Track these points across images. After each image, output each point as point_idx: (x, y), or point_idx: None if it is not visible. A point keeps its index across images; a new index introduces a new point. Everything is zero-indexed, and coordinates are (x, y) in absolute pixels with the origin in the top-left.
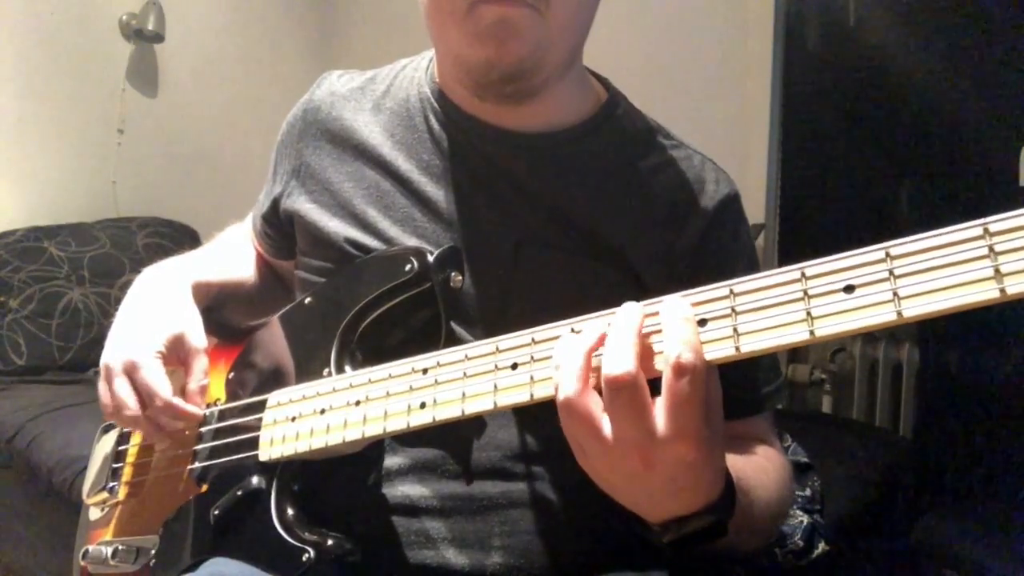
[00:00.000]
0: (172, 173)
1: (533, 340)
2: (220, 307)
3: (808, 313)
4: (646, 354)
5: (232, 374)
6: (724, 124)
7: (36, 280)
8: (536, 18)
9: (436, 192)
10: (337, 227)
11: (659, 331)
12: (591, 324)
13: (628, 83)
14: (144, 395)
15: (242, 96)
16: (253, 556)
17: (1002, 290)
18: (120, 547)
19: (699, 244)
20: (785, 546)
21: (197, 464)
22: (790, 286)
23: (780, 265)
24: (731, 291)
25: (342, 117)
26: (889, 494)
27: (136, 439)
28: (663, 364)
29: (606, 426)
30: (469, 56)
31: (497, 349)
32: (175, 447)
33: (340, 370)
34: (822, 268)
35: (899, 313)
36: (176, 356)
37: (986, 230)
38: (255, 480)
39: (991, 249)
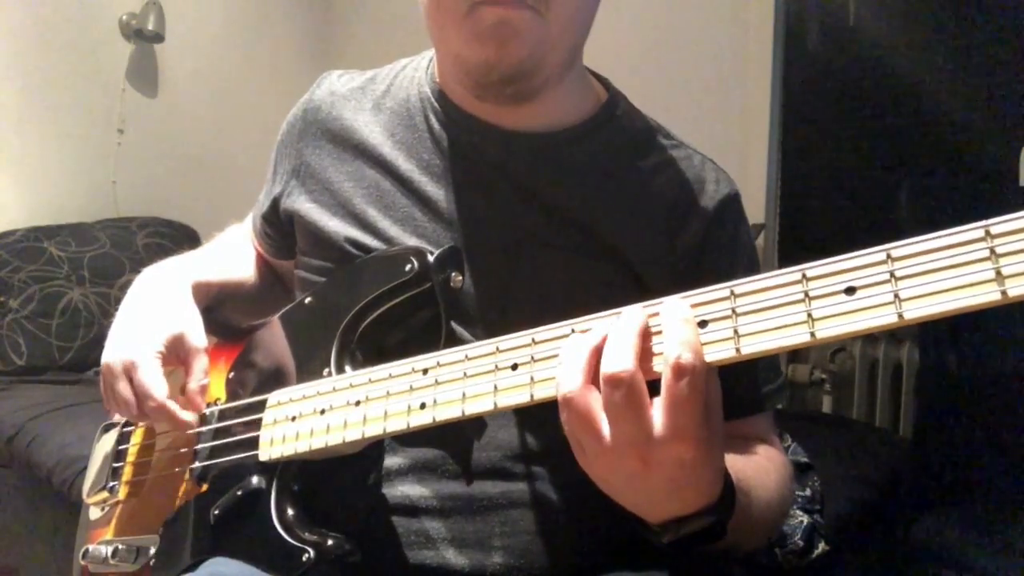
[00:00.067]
0: (172, 173)
1: (533, 340)
2: (220, 307)
3: (809, 315)
4: (646, 355)
5: (232, 374)
6: (724, 124)
7: (36, 280)
8: (536, 20)
9: (436, 192)
10: (337, 227)
11: (660, 332)
12: (598, 323)
13: (628, 83)
14: (139, 396)
15: (242, 96)
16: (253, 556)
17: (1003, 292)
18: (120, 547)
19: (699, 244)
20: (785, 546)
21: (197, 464)
22: (791, 287)
23: (780, 265)
24: (732, 292)
25: (342, 117)
26: (889, 494)
27: (136, 439)
28: (663, 365)
29: (605, 424)
30: (469, 57)
31: (497, 349)
32: (175, 447)
33: (340, 370)
34: (823, 269)
35: (900, 315)
36: (176, 356)
37: (987, 232)
38: (255, 480)
39: (992, 251)
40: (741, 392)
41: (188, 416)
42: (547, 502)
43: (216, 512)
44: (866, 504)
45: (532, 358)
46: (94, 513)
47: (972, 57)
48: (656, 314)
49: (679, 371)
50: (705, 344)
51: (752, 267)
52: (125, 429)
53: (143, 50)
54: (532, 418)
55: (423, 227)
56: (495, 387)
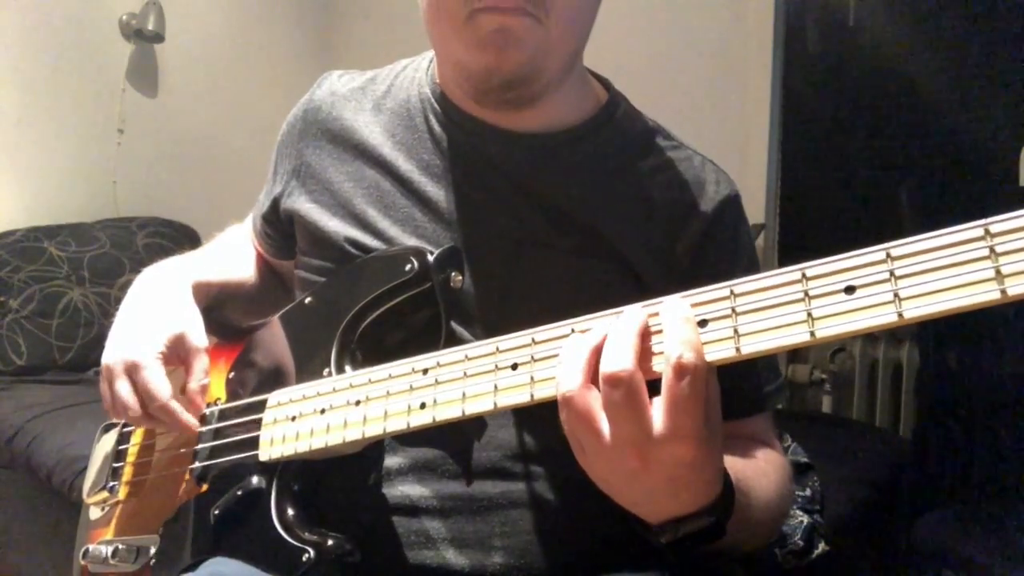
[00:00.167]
0: (172, 173)
1: (533, 340)
2: (220, 307)
3: (809, 314)
4: (646, 354)
5: (232, 374)
6: (724, 124)
7: (36, 280)
8: (535, 26)
9: (436, 192)
10: (337, 227)
11: (660, 332)
12: (598, 323)
13: (628, 83)
14: (143, 396)
15: (242, 96)
16: (253, 556)
17: (1003, 291)
18: (120, 547)
19: (699, 245)
20: (785, 546)
21: (197, 464)
22: (791, 287)
23: (780, 265)
24: (732, 292)
25: (342, 117)
26: (889, 494)
27: (136, 439)
28: (663, 364)
29: (604, 424)
30: (469, 63)
31: (497, 349)
32: (175, 447)
33: (340, 370)
34: (823, 269)
35: (900, 314)
36: (177, 356)
37: (987, 231)
38: (255, 480)
39: (992, 250)
40: (741, 393)
41: (191, 419)
42: (547, 502)
43: (216, 512)
44: (866, 504)
45: (532, 358)
46: (94, 513)
47: (972, 57)
48: (656, 314)
49: (680, 370)
50: (705, 343)
51: (752, 268)
52: (125, 429)
53: (143, 50)
54: (532, 418)
55: (423, 227)
56: (495, 387)
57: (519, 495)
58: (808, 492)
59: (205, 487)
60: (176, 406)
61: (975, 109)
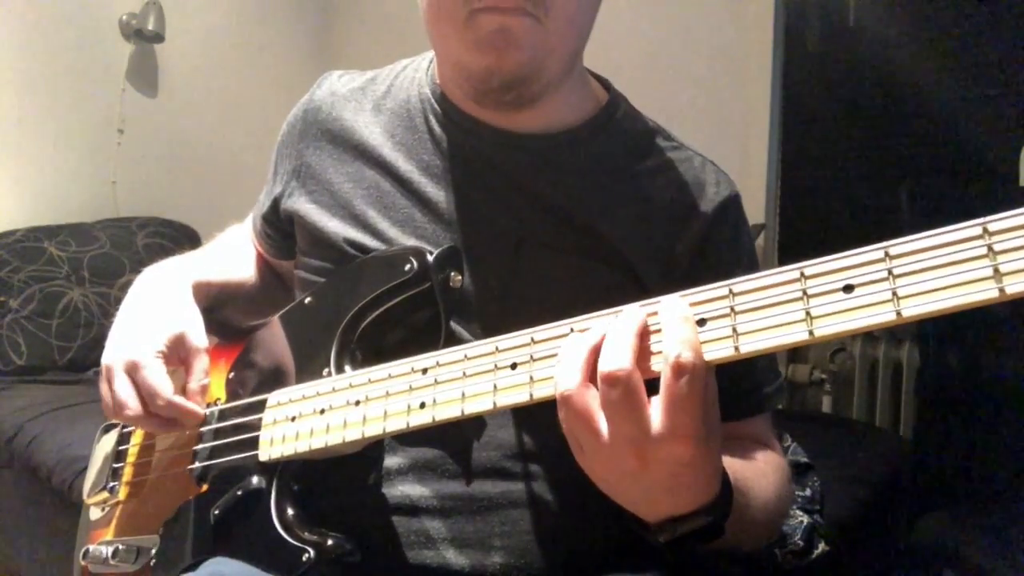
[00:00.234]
0: (172, 173)
1: (532, 340)
2: (220, 307)
3: (807, 313)
4: (644, 353)
5: (232, 374)
6: (724, 124)
7: (36, 280)
8: (535, 26)
9: (436, 193)
10: (337, 227)
11: (658, 331)
12: (597, 322)
13: (628, 83)
14: (146, 395)
15: (242, 96)
16: (253, 556)
17: (1001, 290)
18: (120, 547)
19: (699, 246)
20: (785, 546)
21: (197, 464)
22: (789, 286)
23: (780, 265)
24: (730, 291)
25: (342, 117)
26: (889, 494)
27: (136, 439)
28: (662, 363)
29: (603, 423)
30: (469, 64)
31: (497, 349)
32: (175, 447)
33: (340, 370)
34: (821, 268)
35: (898, 313)
36: (177, 356)
37: (985, 229)
38: (255, 480)
39: (990, 248)
40: (740, 393)
41: (197, 408)
42: (547, 502)
43: (216, 512)
44: (866, 504)
45: (531, 357)
46: (94, 513)
47: (972, 57)
48: (655, 313)
49: (679, 370)
50: (704, 343)
51: (752, 268)
52: (125, 430)
53: (143, 50)
54: (532, 417)
55: (423, 228)
56: (494, 386)
57: (519, 495)
58: (808, 492)
59: (205, 487)
60: (181, 400)
61: (975, 109)
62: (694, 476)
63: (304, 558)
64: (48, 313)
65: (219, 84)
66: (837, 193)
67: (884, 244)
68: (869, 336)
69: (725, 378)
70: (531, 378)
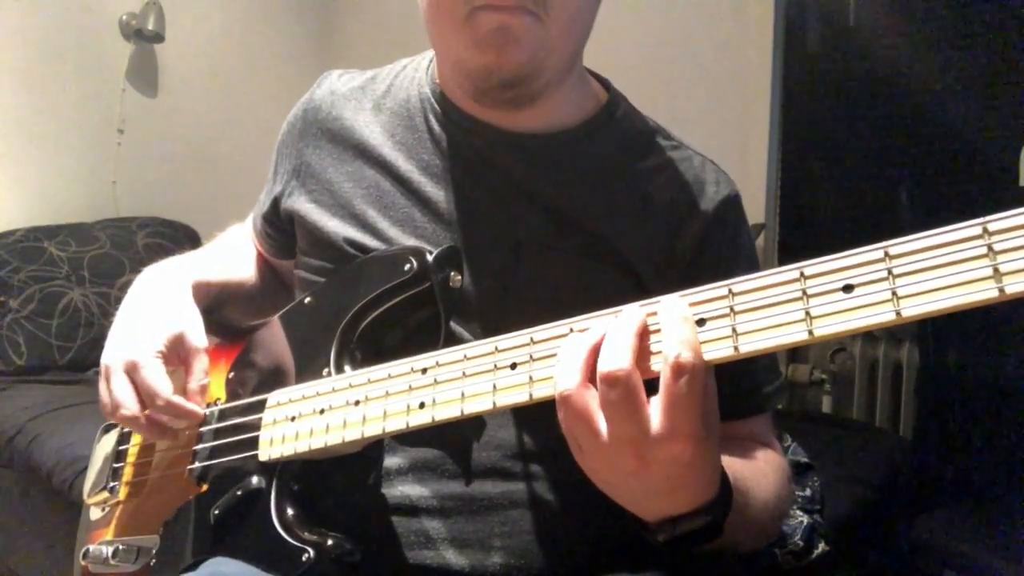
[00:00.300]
0: (172, 173)
1: (532, 340)
2: (220, 307)
3: (807, 313)
4: (644, 353)
5: (232, 374)
6: (724, 124)
7: (36, 280)
8: (536, 25)
9: (436, 192)
10: (337, 227)
11: (658, 331)
12: (596, 322)
13: (628, 83)
14: (145, 395)
15: (242, 96)
16: (253, 556)
17: (1001, 289)
18: (120, 547)
19: (699, 245)
20: (785, 546)
21: (197, 464)
22: (789, 286)
23: (780, 265)
24: (730, 291)
25: (342, 117)
26: (889, 494)
27: (137, 439)
28: (662, 363)
29: (602, 423)
30: (469, 62)
31: (496, 349)
32: (175, 447)
33: (340, 370)
34: (821, 267)
35: (898, 313)
36: (176, 355)
37: (985, 229)
38: (255, 480)
39: (990, 248)
40: (740, 393)
41: (197, 407)
42: (547, 502)
43: (216, 512)
44: (866, 504)
45: (531, 357)
46: (95, 513)
47: (972, 57)
48: (654, 313)
49: (678, 370)
50: (704, 342)
51: (752, 268)
52: (125, 429)
53: (143, 50)
54: (532, 417)
55: (423, 227)
56: (494, 386)
57: (519, 495)
58: (808, 492)
59: (205, 487)
60: (180, 399)
61: (975, 109)
62: (693, 476)
63: (304, 558)
64: (48, 313)
65: (219, 84)
66: (837, 193)
67: (884, 244)
68: (869, 336)
69: (725, 378)
70: (530, 378)
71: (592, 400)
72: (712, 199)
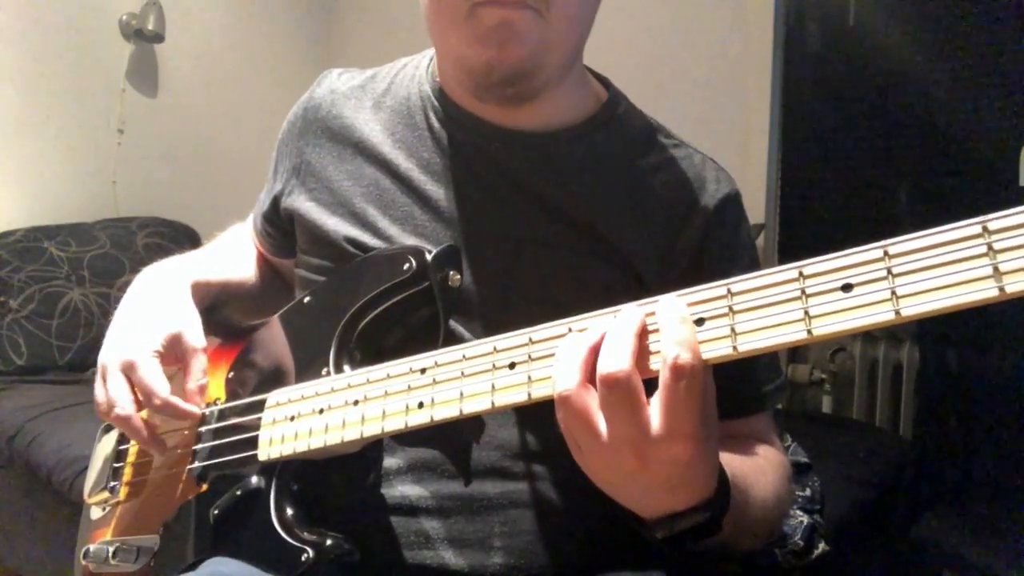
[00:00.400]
0: (172, 173)
1: (531, 340)
2: (220, 306)
3: (806, 312)
4: (643, 353)
5: (232, 373)
6: (724, 124)
7: (36, 280)
8: (537, 20)
9: (436, 190)
10: (336, 225)
11: (657, 330)
12: (595, 322)
13: (628, 83)
14: (142, 394)
15: (242, 96)
16: (253, 556)
17: (1001, 289)
18: (121, 546)
19: (700, 243)
20: (785, 546)
21: (197, 464)
22: (788, 285)
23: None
24: (729, 290)
25: (342, 115)
26: (889, 494)
27: None
28: (660, 364)
29: (602, 423)
30: (470, 58)
31: (495, 349)
32: (176, 446)
33: (339, 370)
34: (820, 267)
35: (897, 312)
36: (174, 355)
37: (985, 228)
38: (254, 480)
39: (990, 247)
40: (741, 392)
41: (194, 407)
42: (547, 502)
43: (215, 512)
44: (866, 504)
45: (529, 357)
46: (95, 513)
47: (972, 57)
48: (653, 312)
49: (677, 371)
50: (702, 342)
51: (753, 266)
52: None
53: (143, 50)
54: (531, 417)
55: (423, 226)
56: (492, 386)
57: (519, 495)
58: (808, 492)
59: (205, 487)
60: (177, 400)
61: (975, 109)
62: (692, 475)
63: (303, 558)
64: (48, 313)
65: (219, 84)
66: (837, 193)
67: (883, 243)
68: (869, 336)
69: (726, 376)
70: (529, 378)
71: (592, 401)
72: (713, 197)
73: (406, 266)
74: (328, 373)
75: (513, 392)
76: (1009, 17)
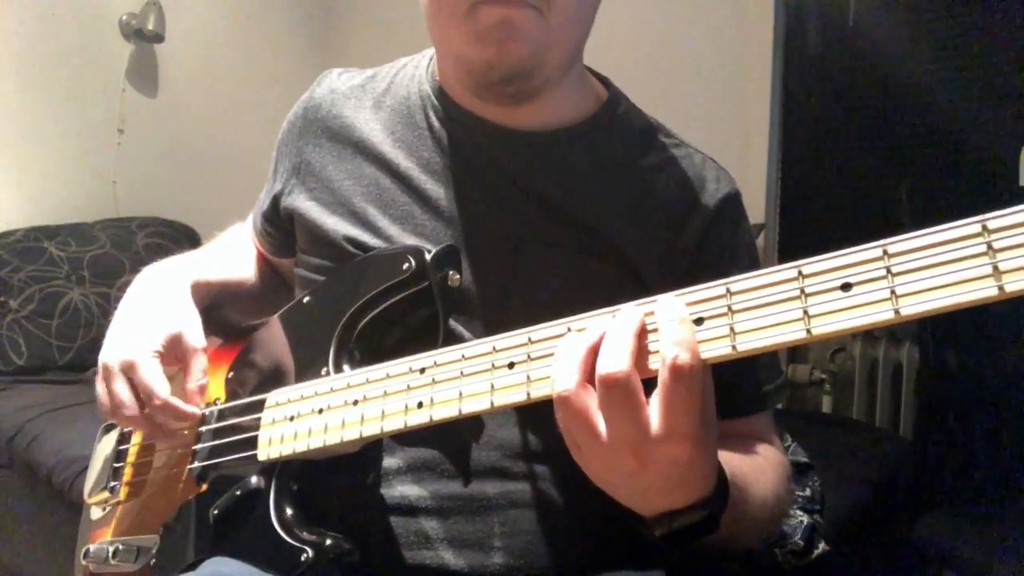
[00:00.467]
0: (172, 173)
1: (530, 340)
2: (220, 306)
3: (805, 311)
4: (642, 353)
5: (232, 373)
6: (724, 124)
7: (36, 280)
8: (537, 19)
9: (436, 190)
10: (336, 225)
11: (656, 330)
12: (594, 322)
13: (628, 83)
14: (142, 394)
15: (242, 96)
16: (252, 556)
17: (1000, 288)
18: (121, 547)
19: (700, 242)
20: (785, 546)
21: (197, 464)
22: (787, 284)
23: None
24: (728, 290)
25: (342, 115)
26: (889, 494)
27: (137, 439)
28: (659, 364)
29: (601, 423)
30: (470, 57)
31: (494, 349)
32: (175, 446)
33: (338, 369)
34: (819, 266)
35: (896, 311)
36: (174, 355)
37: (984, 227)
38: (254, 480)
39: (989, 246)
40: (741, 391)
41: (194, 408)
42: (547, 502)
43: (215, 512)
44: (866, 504)
45: (528, 357)
46: (95, 513)
47: (972, 57)
48: (652, 312)
49: (676, 372)
50: (701, 342)
51: (753, 266)
52: (125, 429)
53: (143, 50)
54: (531, 417)
55: (422, 225)
56: (491, 386)
57: (518, 495)
58: (808, 492)
59: (205, 487)
60: (177, 400)
61: (975, 109)
62: (691, 475)
63: (302, 558)
64: (48, 313)
65: (219, 84)
66: (837, 193)
67: (882, 242)
68: (869, 336)
69: (726, 375)
70: (528, 378)
71: (591, 401)
72: (713, 196)
73: (405, 266)
74: (328, 373)
75: (512, 392)
76: (1009, 17)
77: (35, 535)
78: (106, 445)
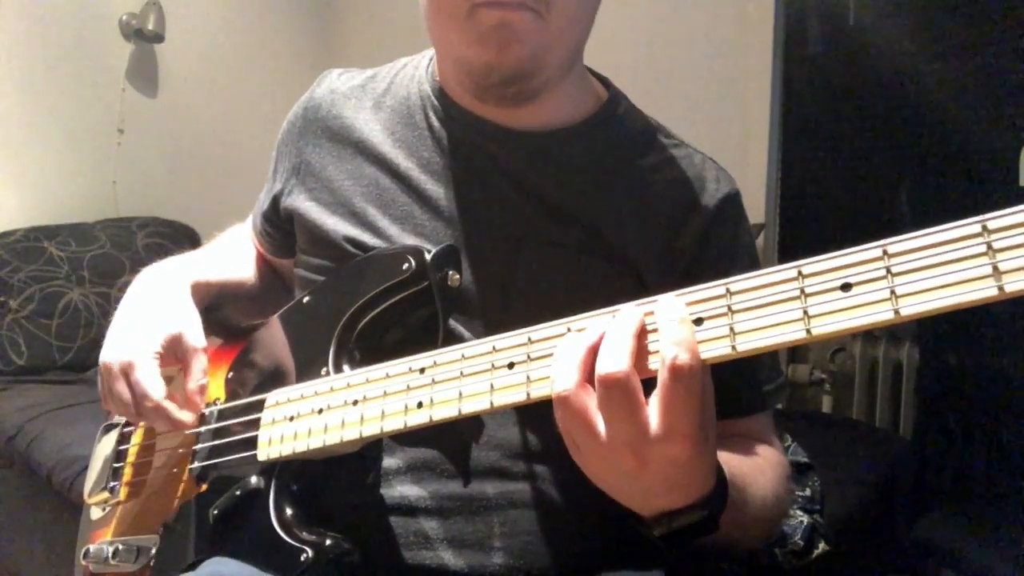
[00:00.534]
0: (172, 173)
1: (530, 340)
2: (220, 307)
3: (805, 311)
4: (642, 353)
5: (231, 373)
6: (724, 124)
7: (36, 280)
8: (537, 21)
9: (436, 190)
10: (336, 225)
11: (656, 330)
12: (594, 322)
13: (628, 83)
14: (137, 395)
15: (242, 96)
16: (252, 556)
17: (1000, 288)
18: (121, 547)
19: (700, 243)
20: (785, 546)
21: (197, 464)
22: (787, 284)
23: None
24: (727, 290)
25: (342, 115)
26: (889, 494)
27: (137, 439)
28: (659, 365)
29: (600, 424)
30: (470, 59)
31: (494, 349)
32: (175, 447)
33: (338, 369)
34: (819, 266)
35: (896, 311)
36: (174, 356)
37: (984, 227)
38: (254, 480)
39: (989, 246)
40: (741, 391)
41: (185, 416)
42: (547, 502)
43: (215, 512)
44: (866, 504)
45: (528, 357)
46: (95, 513)
47: (972, 57)
48: (652, 312)
49: (676, 372)
50: (701, 342)
51: (753, 266)
52: (125, 429)
53: (143, 50)
54: (531, 417)
55: (422, 225)
56: (491, 386)
57: (518, 495)
58: (808, 492)
59: (205, 487)
60: (170, 405)
61: (975, 109)
62: (690, 474)
63: (302, 558)
64: (48, 313)
65: (219, 84)
66: (837, 193)
67: (882, 242)
68: (869, 336)
69: (726, 375)
70: (528, 378)
71: (590, 401)
72: (713, 196)
73: (405, 266)
74: (327, 373)
75: (512, 392)
76: (1009, 17)
77: (35, 535)
78: (106, 445)
